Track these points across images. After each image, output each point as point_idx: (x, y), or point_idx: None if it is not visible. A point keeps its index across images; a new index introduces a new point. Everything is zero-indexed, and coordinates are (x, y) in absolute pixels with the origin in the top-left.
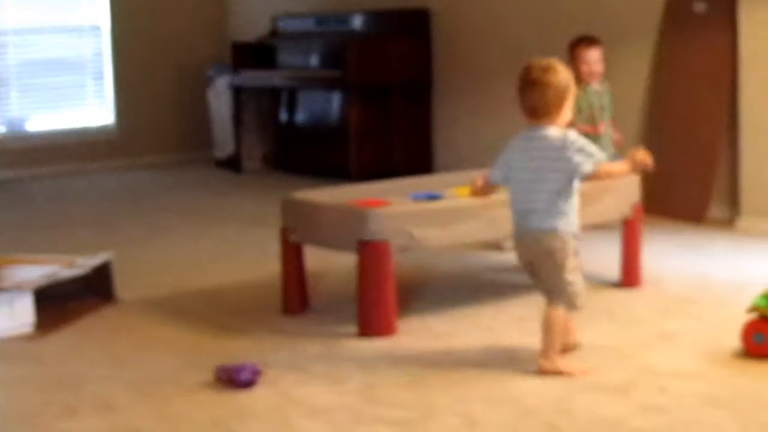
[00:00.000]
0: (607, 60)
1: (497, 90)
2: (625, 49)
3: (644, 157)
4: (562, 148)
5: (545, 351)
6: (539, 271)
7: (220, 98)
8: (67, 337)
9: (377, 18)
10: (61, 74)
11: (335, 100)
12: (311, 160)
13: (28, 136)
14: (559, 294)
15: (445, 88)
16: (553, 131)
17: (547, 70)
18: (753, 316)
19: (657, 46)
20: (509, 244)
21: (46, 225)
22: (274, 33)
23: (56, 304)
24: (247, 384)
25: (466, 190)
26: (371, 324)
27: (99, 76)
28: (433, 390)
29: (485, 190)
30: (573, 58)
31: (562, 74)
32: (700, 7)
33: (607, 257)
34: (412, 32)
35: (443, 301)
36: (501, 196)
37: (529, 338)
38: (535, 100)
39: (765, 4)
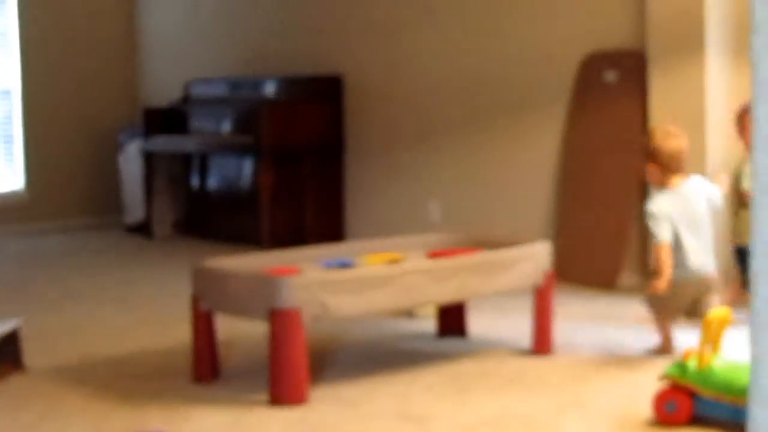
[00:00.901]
0: (521, 126)
1: (410, 156)
2: (535, 117)
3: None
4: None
5: None
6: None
7: (131, 163)
8: None
9: (290, 84)
10: None
11: (247, 165)
12: (223, 226)
13: None
14: None
15: (357, 153)
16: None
17: None
18: (665, 384)
19: (568, 114)
20: (422, 311)
21: None
22: (186, 98)
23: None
24: None
25: (378, 257)
26: (282, 392)
27: (8, 140)
28: None
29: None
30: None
31: None
32: (610, 77)
33: (518, 325)
34: (325, 98)
35: (356, 368)
36: (412, 264)
37: (442, 405)
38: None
39: (674, 74)
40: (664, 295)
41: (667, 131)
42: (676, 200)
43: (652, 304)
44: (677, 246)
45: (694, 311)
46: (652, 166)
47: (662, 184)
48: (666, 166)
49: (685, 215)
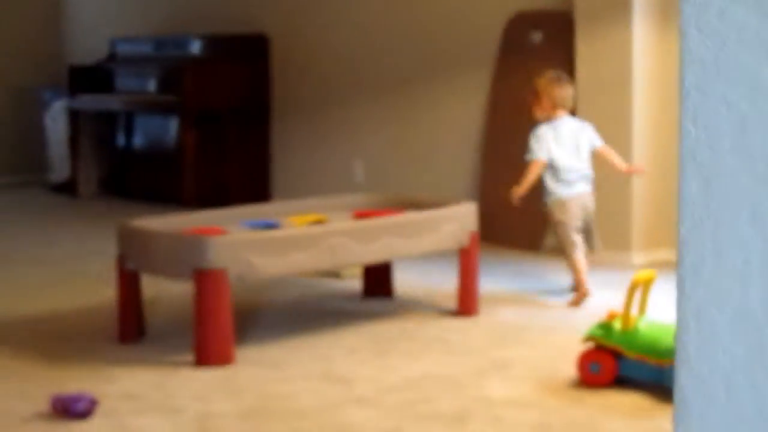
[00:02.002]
0: (446, 88)
1: (335, 116)
2: (461, 78)
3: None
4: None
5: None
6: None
7: (56, 122)
8: None
9: (215, 43)
10: None
11: (171, 125)
12: (147, 186)
13: None
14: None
15: (282, 114)
16: None
17: None
18: (588, 345)
19: (493, 75)
20: (347, 272)
21: None
22: (111, 57)
23: None
24: (84, 414)
25: (303, 218)
26: (208, 353)
27: None
28: (270, 420)
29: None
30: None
31: None
32: (536, 37)
33: (443, 286)
34: (250, 58)
35: (281, 329)
36: (337, 225)
37: (365, 366)
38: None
39: (600, 36)
40: (559, 216)
41: (557, 78)
42: (559, 130)
43: (557, 229)
44: (561, 169)
45: (584, 235)
46: (540, 105)
47: (547, 119)
48: (552, 106)
49: (567, 144)
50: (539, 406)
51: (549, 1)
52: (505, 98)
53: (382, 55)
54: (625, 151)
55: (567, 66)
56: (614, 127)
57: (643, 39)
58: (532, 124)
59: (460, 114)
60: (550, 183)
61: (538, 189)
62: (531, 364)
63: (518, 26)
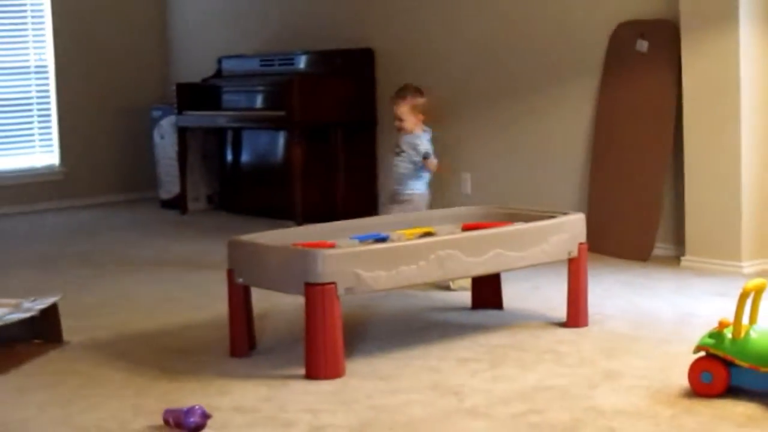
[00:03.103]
0: (552, 98)
1: (442, 129)
2: (567, 88)
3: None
4: None
5: None
6: None
7: (165, 139)
8: (13, 381)
9: (321, 58)
10: (6, 114)
11: (279, 140)
12: (256, 201)
13: None
14: None
15: (389, 127)
16: None
17: None
18: (700, 355)
19: (600, 84)
20: (457, 284)
21: None
22: (218, 73)
23: (2, 347)
24: (196, 428)
25: (411, 231)
26: (318, 366)
27: (45, 116)
28: None
29: None
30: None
31: None
32: (642, 46)
33: (552, 297)
34: (356, 72)
35: (390, 342)
36: (446, 237)
37: (475, 379)
38: None
39: (707, 42)
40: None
41: (396, 94)
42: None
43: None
44: (424, 172)
45: None
46: (418, 117)
47: (417, 127)
48: (423, 116)
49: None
50: (651, 416)
51: (654, 10)
52: (612, 107)
53: (488, 67)
54: (734, 159)
55: (672, 74)
56: (722, 135)
57: (749, 45)
58: (639, 132)
59: (568, 124)
60: (417, 180)
61: (654, 186)
62: (642, 374)
63: (624, 35)
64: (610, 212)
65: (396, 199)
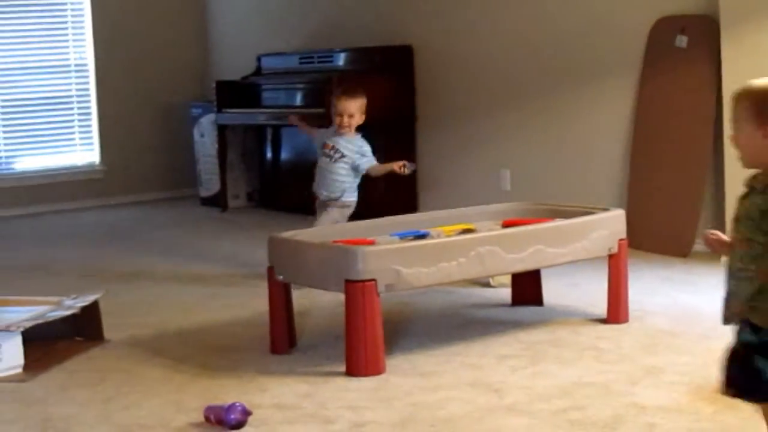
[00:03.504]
0: (592, 94)
1: (481, 125)
2: (607, 83)
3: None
4: None
5: None
6: None
7: (204, 136)
8: (55, 378)
9: (360, 55)
10: (47, 113)
11: None
12: (296, 198)
13: (14, 176)
14: None
15: (429, 123)
16: None
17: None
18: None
19: (639, 80)
20: (497, 281)
21: (32, 265)
22: (258, 71)
23: (44, 345)
24: (237, 424)
25: (451, 228)
26: (359, 363)
27: (85, 115)
28: (422, 429)
29: None
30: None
31: None
32: (681, 41)
33: (592, 293)
34: (395, 68)
35: (430, 339)
36: (486, 233)
37: (515, 376)
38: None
39: (747, 36)
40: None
41: (344, 90)
42: (331, 139)
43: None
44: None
45: None
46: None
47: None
48: (335, 115)
49: None
50: (692, 412)
51: (693, 5)
52: (652, 103)
53: (527, 63)
54: None
55: (712, 69)
56: None
57: None
58: (679, 128)
59: (607, 120)
60: (356, 186)
61: (694, 181)
62: (683, 370)
63: (663, 30)
64: (649, 208)
65: (331, 205)
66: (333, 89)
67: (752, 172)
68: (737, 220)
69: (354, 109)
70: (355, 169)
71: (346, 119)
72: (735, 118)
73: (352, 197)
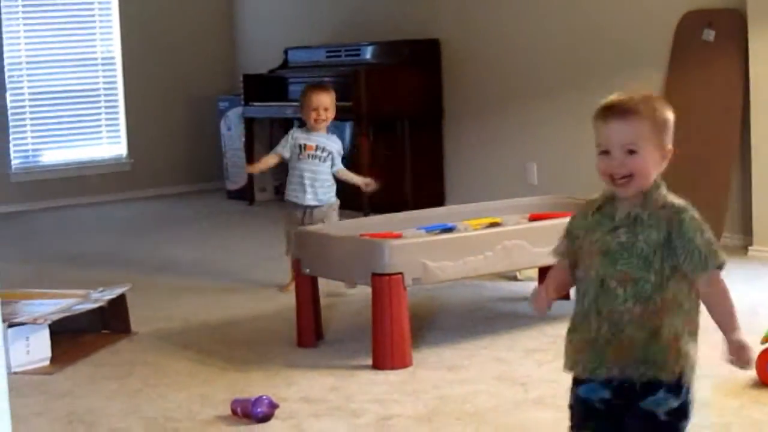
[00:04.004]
0: (619, 88)
1: (508, 119)
2: (633, 77)
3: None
4: None
5: None
6: None
7: (231, 130)
8: (82, 371)
9: (387, 49)
10: (74, 106)
11: (346, 131)
12: None
13: (41, 169)
14: None
15: (455, 117)
16: None
17: None
18: (767, 345)
19: (666, 74)
20: (523, 274)
21: (59, 257)
22: (285, 64)
23: (71, 337)
24: (264, 418)
25: (478, 221)
26: (385, 356)
27: (112, 108)
28: (448, 423)
29: None
30: None
31: None
32: (709, 35)
33: None
34: (423, 62)
35: (457, 332)
36: (513, 227)
37: (542, 369)
38: None
39: None
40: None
41: (317, 84)
42: (310, 138)
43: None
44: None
45: None
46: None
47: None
48: (309, 109)
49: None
50: (718, 406)
51: None
52: (679, 97)
53: (554, 56)
54: None
55: (740, 63)
56: None
57: None
58: (706, 122)
59: None
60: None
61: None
62: (708, 364)
63: (690, 24)
64: None
65: (313, 215)
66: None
67: (605, 193)
68: (606, 254)
69: (329, 102)
70: (329, 168)
71: (322, 113)
72: (632, 138)
73: (334, 200)
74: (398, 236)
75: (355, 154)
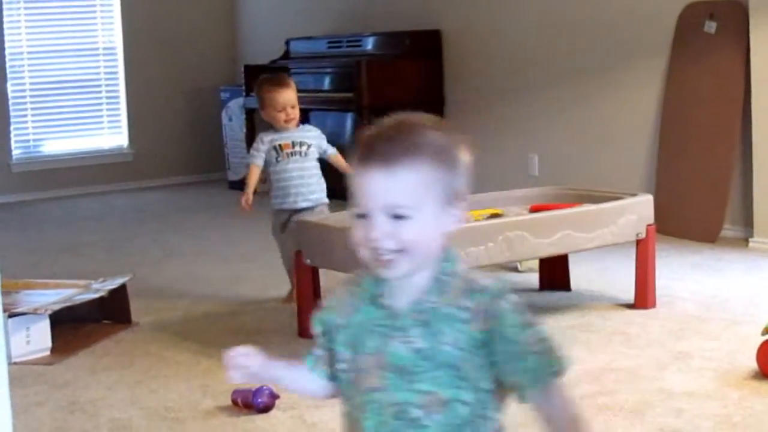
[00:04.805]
0: (620, 79)
1: (509, 110)
2: (635, 69)
3: None
4: None
5: None
6: None
7: (233, 120)
8: (83, 362)
9: (389, 39)
10: (75, 96)
11: (347, 122)
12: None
13: (42, 159)
14: None
15: (457, 108)
16: None
17: None
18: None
19: (668, 65)
20: (525, 265)
21: (60, 248)
22: (286, 55)
23: (72, 328)
24: (265, 408)
25: (479, 212)
26: None
27: (114, 98)
28: None
29: None
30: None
31: None
32: (710, 27)
33: (620, 278)
34: (424, 53)
35: None
36: (514, 218)
37: None
38: None
39: None
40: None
41: (277, 81)
42: (282, 136)
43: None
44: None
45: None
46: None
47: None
48: (275, 111)
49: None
50: (719, 398)
51: None
52: (680, 88)
53: (555, 48)
54: None
55: (741, 55)
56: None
57: None
58: (707, 113)
59: (636, 105)
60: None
61: (722, 167)
62: (710, 355)
63: (692, 16)
64: (677, 193)
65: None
66: (258, 88)
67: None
68: (398, 370)
69: (294, 97)
70: (321, 155)
71: (290, 111)
72: (399, 198)
73: (325, 200)
74: None
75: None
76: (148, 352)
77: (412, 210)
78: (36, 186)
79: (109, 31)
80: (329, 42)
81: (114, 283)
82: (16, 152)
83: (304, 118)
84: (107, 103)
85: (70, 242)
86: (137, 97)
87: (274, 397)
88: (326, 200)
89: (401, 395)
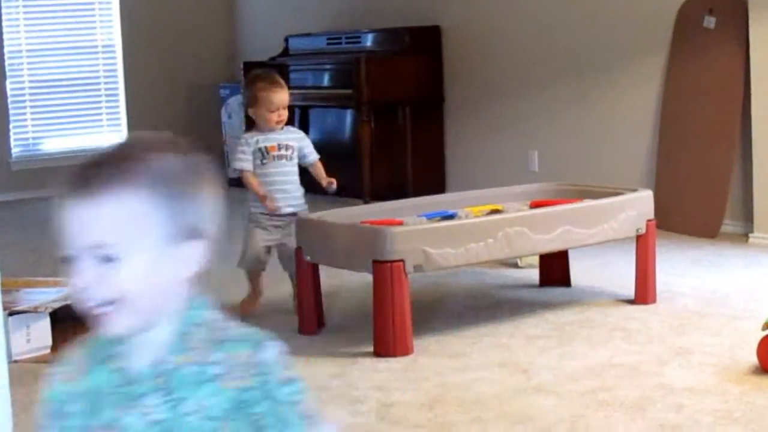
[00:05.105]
0: (620, 75)
1: (509, 106)
2: (635, 64)
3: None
4: None
5: None
6: None
7: (232, 117)
8: None
9: (388, 36)
10: (74, 94)
11: (347, 118)
12: None
13: (41, 157)
14: None
15: (457, 105)
16: None
17: None
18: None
19: (668, 61)
20: (525, 261)
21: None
22: (285, 52)
23: (72, 326)
24: None
25: (480, 208)
26: (387, 343)
27: (113, 96)
28: (450, 409)
29: None
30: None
31: None
32: (709, 22)
33: (621, 273)
34: (423, 50)
35: (459, 319)
36: (514, 214)
37: (544, 356)
38: None
39: None
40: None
41: (272, 81)
42: (268, 138)
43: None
44: None
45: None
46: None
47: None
48: (268, 111)
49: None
50: (719, 393)
51: None
52: (680, 84)
53: (555, 44)
54: None
55: (740, 50)
56: None
57: None
58: (707, 109)
59: (635, 101)
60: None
61: (722, 162)
62: (711, 351)
63: (691, 11)
64: (677, 189)
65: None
66: (250, 85)
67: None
68: None
69: (287, 99)
70: (300, 159)
71: (282, 113)
72: (103, 236)
73: (305, 204)
74: (399, 223)
75: (356, 143)
76: None
77: (122, 250)
78: (35, 184)
79: (108, 29)
80: (328, 39)
81: None
82: (15, 150)
83: (304, 115)
84: (106, 101)
85: None
86: (136, 94)
87: None
88: (306, 206)
89: None
